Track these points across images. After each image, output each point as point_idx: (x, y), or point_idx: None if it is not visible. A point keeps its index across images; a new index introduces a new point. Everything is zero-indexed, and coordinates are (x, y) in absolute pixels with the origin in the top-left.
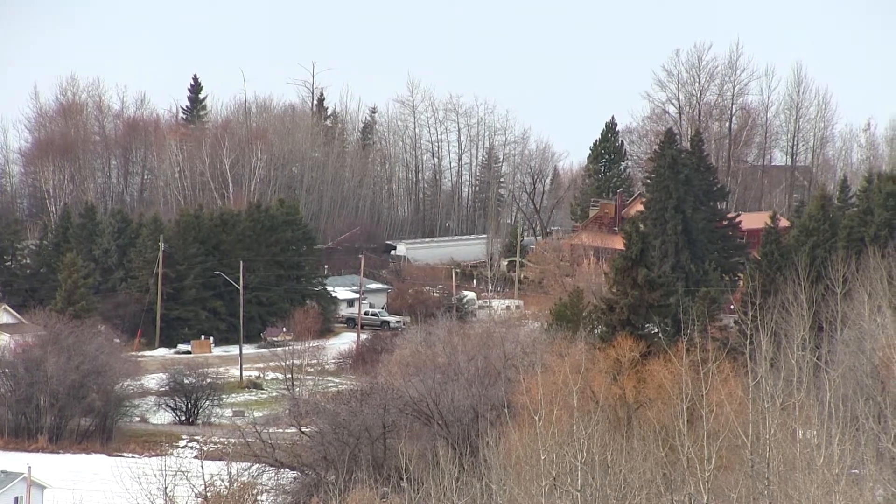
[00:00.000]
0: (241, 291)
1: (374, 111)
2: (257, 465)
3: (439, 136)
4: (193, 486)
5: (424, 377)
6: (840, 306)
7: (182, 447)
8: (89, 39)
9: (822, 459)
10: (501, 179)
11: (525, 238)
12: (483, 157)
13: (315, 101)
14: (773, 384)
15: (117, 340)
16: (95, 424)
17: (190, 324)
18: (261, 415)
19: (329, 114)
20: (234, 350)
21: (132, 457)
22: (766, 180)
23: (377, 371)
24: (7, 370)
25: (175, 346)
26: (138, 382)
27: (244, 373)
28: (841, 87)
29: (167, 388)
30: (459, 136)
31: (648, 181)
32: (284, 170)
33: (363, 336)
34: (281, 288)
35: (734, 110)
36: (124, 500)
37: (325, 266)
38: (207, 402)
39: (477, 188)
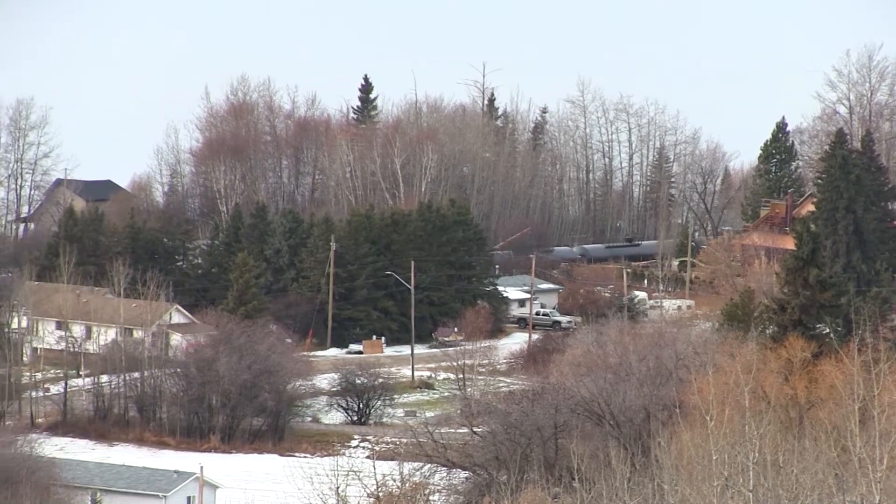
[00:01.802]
0: (413, 291)
1: (544, 111)
2: (429, 465)
3: (610, 136)
4: (365, 486)
5: (596, 377)
6: None
7: (354, 447)
8: (260, 40)
9: None
10: (672, 179)
11: (696, 238)
12: (654, 157)
13: (486, 101)
14: None
15: (289, 340)
16: (267, 424)
17: (361, 324)
18: (432, 415)
19: (500, 114)
20: (405, 350)
21: (304, 457)
22: None
23: (548, 371)
24: (179, 370)
25: (347, 346)
26: (310, 382)
27: (415, 373)
28: None
29: (339, 387)
30: (630, 136)
31: (819, 181)
32: (455, 170)
33: (534, 336)
34: (452, 288)
35: None
36: (296, 499)
37: (497, 266)
38: (379, 402)
39: (648, 188)
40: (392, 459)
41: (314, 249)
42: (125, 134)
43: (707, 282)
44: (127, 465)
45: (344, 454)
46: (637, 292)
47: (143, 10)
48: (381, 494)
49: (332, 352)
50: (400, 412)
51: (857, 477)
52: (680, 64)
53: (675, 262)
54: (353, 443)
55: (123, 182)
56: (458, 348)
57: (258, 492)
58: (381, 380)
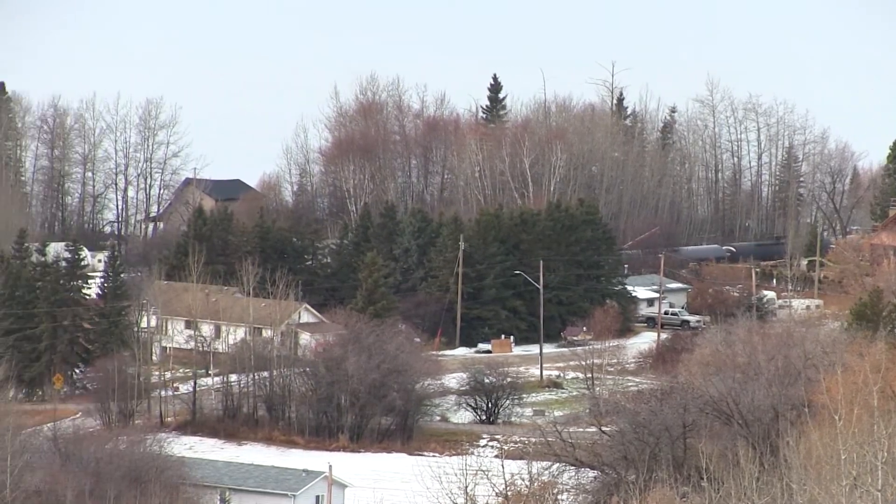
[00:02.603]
0: (542, 291)
1: (673, 110)
2: (557, 464)
3: (738, 136)
4: (494, 485)
5: (724, 376)
6: None
7: (482, 446)
8: (390, 40)
9: None
10: (801, 179)
11: (825, 237)
12: (783, 156)
13: (614, 101)
14: None
15: (417, 340)
16: (396, 423)
17: (490, 323)
18: (561, 414)
19: (628, 113)
20: (534, 349)
21: (433, 456)
22: None
23: (677, 370)
24: (308, 369)
25: (475, 346)
26: (439, 381)
27: (544, 372)
28: None
29: (467, 387)
30: (759, 136)
31: None
32: (584, 169)
33: (663, 335)
34: (581, 287)
35: None
36: (425, 499)
37: (625, 265)
38: (508, 402)
39: (776, 188)
40: (520, 459)
41: (443, 249)
42: (255, 133)
43: (836, 281)
44: (256, 465)
45: (472, 453)
46: (766, 292)
47: (274, 11)
48: (509, 494)
49: (461, 351)
50: (528, 411)
51: None
52: (808, 63)
53: (804, 262)
54: (482, 442)
55: (252, 181)
56: (587, 347)
57: (387, 491)
58: (509, 379)
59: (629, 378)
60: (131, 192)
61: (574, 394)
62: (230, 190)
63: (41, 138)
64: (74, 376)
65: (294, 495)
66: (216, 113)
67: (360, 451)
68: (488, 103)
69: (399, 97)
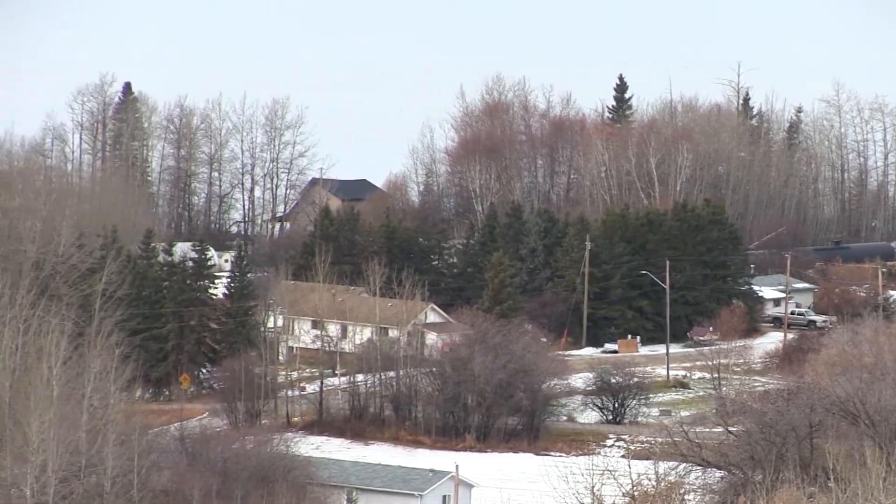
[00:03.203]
0: (668, 291)
1: (799, 111)
2: (684, 464)
3: (864, 136)
4: (620, 485)
5: (851, 376)
6: None
7: (609, 446)
8: (514, 40)
9: None
10: None
11: None
12: None
13: (740, 101)
14: None
15: (544, 339)
16: (522, 423)
17: (616, 323)
18: (687, 414)
19: (754, 113)
20: (660, 349)
21: (559, 456)
22: None
23: (803, 370)
24: (435, 369)
25: (602, 346)
26: (565, 381)
27: (670, 372)
28: None
29: (594, 387)
30: (885, 136)
31: None
32: (710, 169)
33: (789, 335)
34: (707, 287)
35: None
36: (551, 499)
37: (752, 265)
38: (634, 402)
39: None
40: (647, 459)
41: (569, 249)
42: (381, 133)
43: None
44: (383, 464)
45: (599, 453)
46: (893, 292)
47: (399, 12)
48: (636, 494)
49: (587, 351)
50: (655, 411)
51: None
52: None
53: None
54: (608, 442)
55: (379, 181)
56: (713, 347)
57: (513, 491)
58: (635, 379)
59: (756, 378)
60: (258, 192)
61: (700, 394)
62: (356, 190)
63: (167, 138)
64: (201, 376)
65: (421, 495)
66: (343, 113)
67: (486, 451)
68: (614, 103)
69: (525, 97)
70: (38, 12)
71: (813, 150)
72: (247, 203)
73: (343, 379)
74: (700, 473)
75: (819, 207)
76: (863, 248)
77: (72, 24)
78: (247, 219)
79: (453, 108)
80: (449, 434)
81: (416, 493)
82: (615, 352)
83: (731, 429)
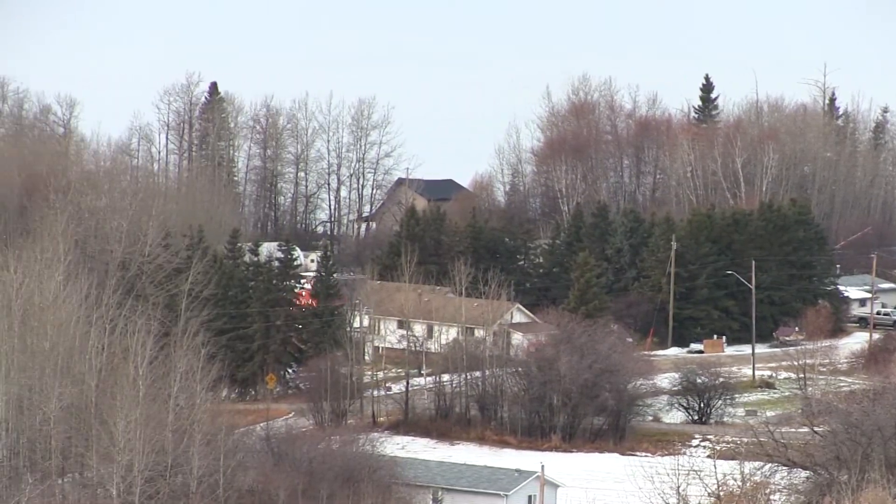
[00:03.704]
0: (754, 291)
1: (885, 111)
2: (770, 464)
3: None
4: (706, 485)
5: None
6: None
7: (694, 446)
8: (601, 41)
9: None
10: None
11: None
12: None
13: (826, 101)
14: None
15: (629, 339)
16: (608, 423)
17: (702, 323)
18: (773, 414)
19: (840, 113)
20: (745, 349)
21: (645, 456)
22: None
23: (890, 370)
24: (520, 369)
25: (687, 346)
26: (651, 381)
27: (756, 372)
28: None
29: (680, 387)
30: None
31: None
32: (796, 169)
33: (875, 335)
34: (793, 287)
35: None
36: (637, 499)
37: (837, 266)
38: (720, 402)
39: None
40: (732, 459)
41: (655, 249)
42: (467, 133)
43: None
44: (468, 464)
45: (684, 453)
46: None
47: (482, 11)
48: (721, 494)
49: (673, 351)
50: (740, 411)
51: None
52: None
53: None
54: (694, 442)
55: (465, 181)
56: (799, 348)
57: (599, 491)
58: (721, 379)
59: (841, 378)
60: (344, 192)
61: (786, 394)
62: (442, 190)
63: (254, 138)
64: (287, 376)
65: (506, 495)
66: (429, 113)
67: (572, 451)
68: (700, 103)
69: (611, 97)
70: (125, 13)
71: None
72: (333, 203)
73: (429, 379)
74: (785, 474)
75: None
76: None
77: (158, 25)
78: (333, 219)
79: (539, 108)
80: (534, 434)
81: (501, 493)
82: (701, 352)
83: (816, 429)
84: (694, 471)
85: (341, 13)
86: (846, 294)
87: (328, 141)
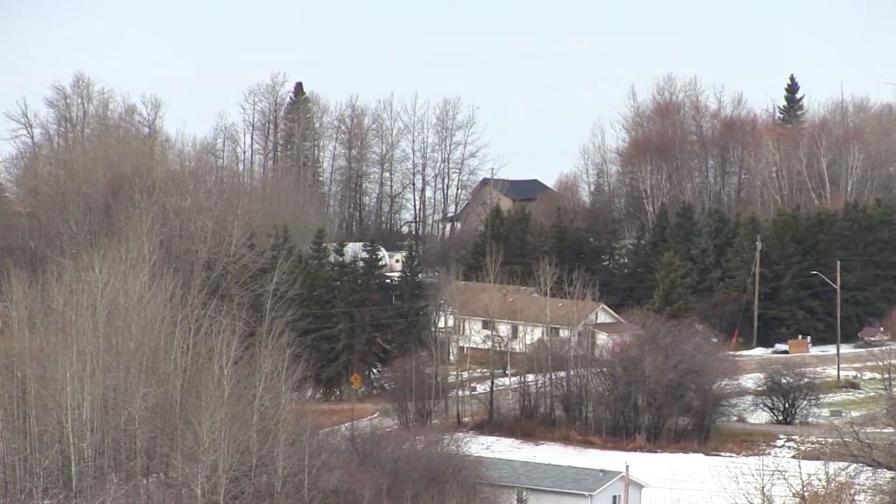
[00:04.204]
0: (839, 291)
1: None
2: (854, 464)
3: None
4: (791, 485)
5: None
6: None
7: (779, 447)
8: (685, 41)
9: None
10: None
11: None
12: None
13: None
14: None
15: (714, 340)
16: (693, 424)
17: (787, 323)
18: (858, 414)
19: None
20: (830, 350)
21: (729, 456)
22: None
23: None
24: (605, 369)
25: (772, 346)
26: (735, 382)
27: (841, 372)
28: None
29: (764, 387)
30: None
31: None
32: (881, 170)
33: None
34: (878, 287)
35: None
36: (722, 499)
37: None
38: (804, 402)
39: None
40: (817, 459)
41: (740, 249)
42: (552, 134)
43: None
44: (553, 464)
45: (769, 454)
46: None
47: (566, 11)
48: (806, 494)
49: (758, 351)
50: (825, 412)
51: None
52: None
53: None
54: (779, 442)
55: (550, 181)
56: (884, 348)
57: (683, 491)
58: (806, 379)
59: None
60: (429, 193)
61: (871, 394)
62: (527, 190)
63: (339, 138)
64: (372, 376)
65: (591, 495)
66: (514, 113)
67: (656, 452)
68: (785, 104)
69: (696, 97)
70: (209, 13)
71: None
72: (418, 203)
73: (513, 379)
74: (870, 474)
75: None
76: None
77: (243, 25)
78: (418, 219)
79: (624, 108)
80: (619, 434)
81: (586, 493)
82: (786, 352)
83: None
84: (778, 471)
85: (426, 14)
86: None
87: (413, 141)
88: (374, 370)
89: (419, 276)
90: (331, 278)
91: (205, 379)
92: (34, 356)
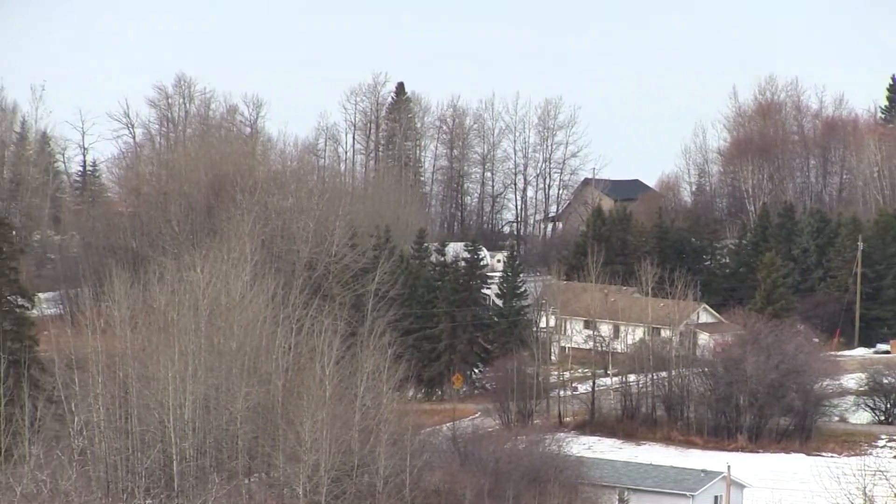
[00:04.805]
0: None
1: None
2: None
3: None
4: (892, 485)
5: None
6: None
7: (881, 447)
8: (786, 42)
9: None
10: None
11: None
12: None
13: None
14: None
15: (815, 340)
16: (794, 424)
17: (889, 323)
18: None
19: None
20: None
21: (831, 456)
22: None
23: None
24: (706, 370)
25: (874, 346)
26: (837, 382)
27: None
28: None
29: (866, 387)
30: None
31: None
32: None
33: None
34: None
35: None
36: (823, 499)
37: None
38: None
39: None
40: None
41: (841, 249)
42: (653, 133)
43: None
44: (654, 465)
45: (870, 454)
46: None
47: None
48: None
49: (859, 351)
50: None
51: None
52: None
53: None
54: (880, 442)
55: (651, 181)
56: None
57: (785, 492)
58: None
59: None
60: (530, 192)
61: None
62: (629, 190)
63: (440, 138)
64: (473, 376)
65: (692, 495)
66: (615, 113)
67: (758, 452)
68: (886, 103)
69: (798, 97)
70: (312, 13)
71: None
72: (519, 203)
73: (615, 379)
74: None
75: None
76: None
77: (345, 25)
78: (519, 219)
79: (726, 108)
80: (721, 434)
81: (687, 493)
82: (887, 352)
83: None
84: (880, 471)
85: (525, 14)
86: None
87: (514, 141)
88: (476, 370)
89: (520, 275)
90: (432, 278)
91: (306, 379)
92: (136, 356)
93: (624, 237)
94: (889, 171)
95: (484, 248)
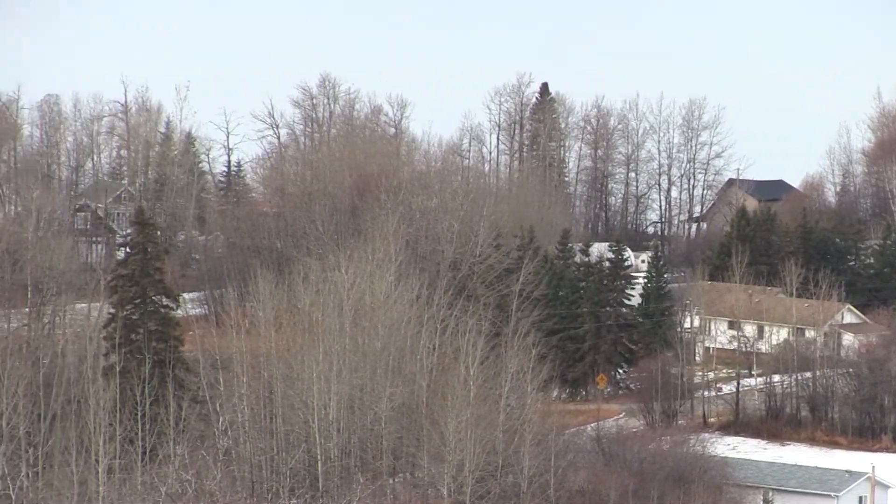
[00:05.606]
0: None
1: None
2: None
3: None
4: None
5: None
6: None
7: None
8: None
9: None
10: None
11: None
12: None
13: None
14: None
15: None
16: None
17: None
18: None
19: None
20: None
21: None
22: None
23: None
24: (851, 370)
25: None
26: None
27: None
28: None
29: None
30: None
31: None
32: None
33: None
34: None
35: None
36: None
37: None
38: None
39: None
40: None
41: None
42: (797, 134)
43: None
44: (798, 465)
45: None
46: None
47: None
48: None
49: None
50: None
51: None
52: None
53: None
54: None
55: (795, 182)
56: None
57: None
58: None
59: None
60: (674, 193)
61: None
62: (773, 190)
63: (584, 139)
64: (618, 376)
65: (837, 496)
66: (759, 114)
67: None
68: None
69: None
70: (456, 14)
71: None
72: (663, 203)
73: (759, 379)
74: None
75: None
76: None
77: (490, 26)
78: (663, 219)
79: (870, 109)
80: (865, 435)
81: (831, 493)
82: None
83: None
84: None
85: (667, 15)
86: None
87: (658, 141)
88: (620, 370)
89: (665, 276)
90: (576, 279)
91: (451, 379)
92: (281, 356)
93: (768, 237)
94: None
95: (628, 249)
